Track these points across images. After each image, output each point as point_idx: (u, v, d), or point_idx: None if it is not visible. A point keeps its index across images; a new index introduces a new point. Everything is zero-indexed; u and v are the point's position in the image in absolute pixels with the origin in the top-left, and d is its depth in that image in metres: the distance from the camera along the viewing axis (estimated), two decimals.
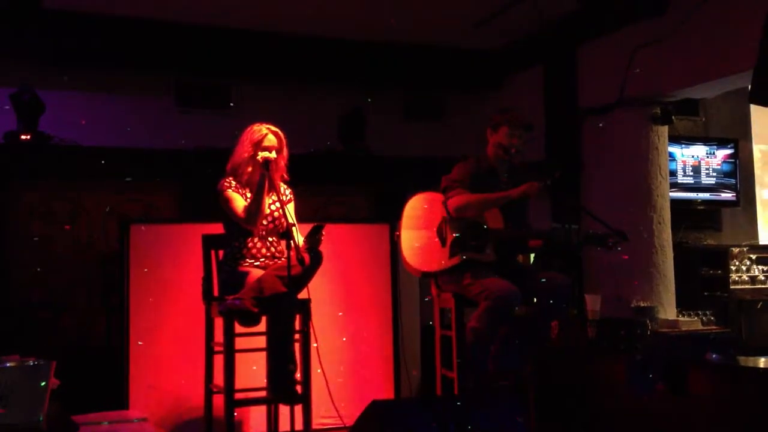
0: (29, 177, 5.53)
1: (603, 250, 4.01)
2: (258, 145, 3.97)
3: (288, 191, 4.16)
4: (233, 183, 3.99)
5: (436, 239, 4.14)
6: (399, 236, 4.24)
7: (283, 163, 4.06)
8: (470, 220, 4.06)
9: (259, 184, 3.90)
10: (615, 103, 5.60)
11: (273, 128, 4.05)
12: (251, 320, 3.79)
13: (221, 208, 4.01)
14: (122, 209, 5.48)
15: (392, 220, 4.38)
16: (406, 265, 4.20)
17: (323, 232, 3.83)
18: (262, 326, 3.86)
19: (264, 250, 4.02)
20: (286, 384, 3.74)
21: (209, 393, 4.11)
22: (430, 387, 4.89)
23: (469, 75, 6.70)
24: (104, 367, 4.88)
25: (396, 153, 6.15)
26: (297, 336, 3.94)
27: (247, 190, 4.01)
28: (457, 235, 4.08)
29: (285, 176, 4.10)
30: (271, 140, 4.00)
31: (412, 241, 4.17)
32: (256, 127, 4.04)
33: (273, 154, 3.98)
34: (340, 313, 4.88)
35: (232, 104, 6.14)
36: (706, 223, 6.77)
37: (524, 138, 4.19)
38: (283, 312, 3.77)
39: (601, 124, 5.74)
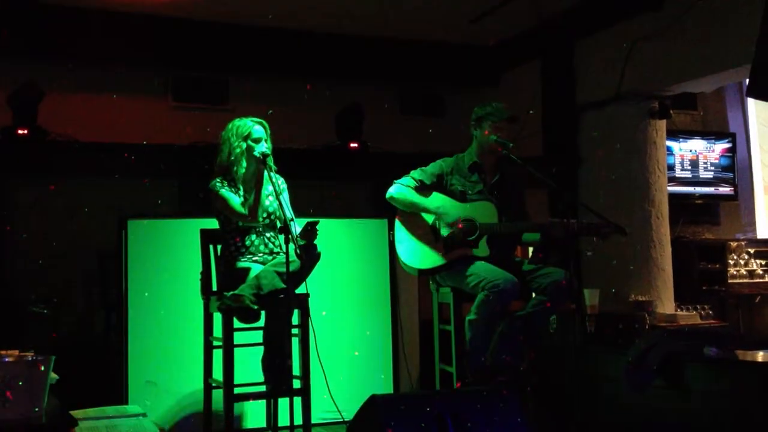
0: (27, 173, 5.52)
1: (598, 239, 4.01)
2: (248, 138, 3.95)
3: (280, 180, 4.12)
4: (224, 182, 3.96)
5: (431, 236, 4.14)
6: (393, 234, 4.24)
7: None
8: (465, 217, 4.06)
9: (258, 179, 3.89)
10: (613, 97, 5.61)
11: (257, 119, 4.03)
12: (250, 317, 3.79)
13: (215, 208, 4.00)
14: (120, 204, 5.46)
15: (390, 215, 4.38)
16: (402, 265, 4.20)
17: (317, 228, 3.81)
18: (260, 321, 3.86)
19: (262, 247, 4.01)
20: (283, 377, 3.75)
21: (208, 388, 4.11)
22: (429, 382, 4.90)
23: (467, 70, 6.70)
24: (103, 362, 4.88)
25: (393, 148, 6.14)
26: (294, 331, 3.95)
27: (240, 186, 3.97)
28: (451, 230, 4.08)
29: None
30: (259, 131, 3.98)
31: (407, 239, 4.17)
32: (239, 121, 4.01)
33: (267, 146, 3.95)
34: (339, 308, 4.88)
35: (229, 99, 6.13)
36: (704, 217, 6.78)
37: (509, 130, 4.18)
38: (282, 308, 3.77)
39: (598, 119, 5.75)
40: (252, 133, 3.96)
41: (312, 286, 3.95)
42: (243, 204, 3.91)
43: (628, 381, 3.77)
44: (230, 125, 4.02)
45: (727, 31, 4.81)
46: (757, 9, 4.08)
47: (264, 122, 4.03)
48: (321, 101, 6.23)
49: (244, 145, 3.94)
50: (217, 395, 4.00)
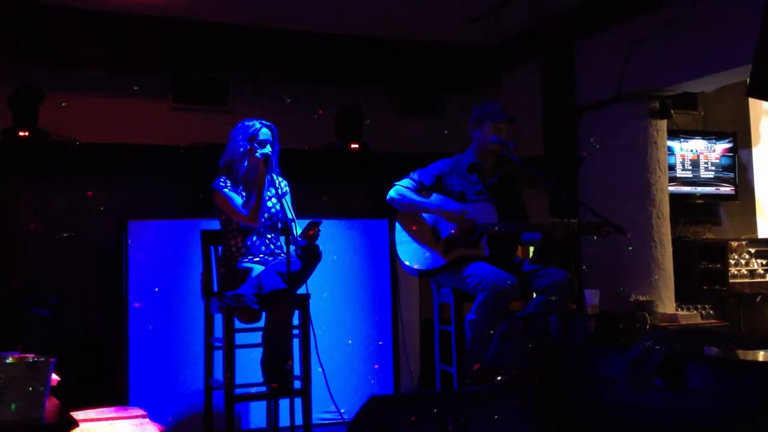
0: (27, 173, 5.52)
1: (599, 238, 4.01)
2: (253, 140, 3.96)
3: (284, 183, 4.14)
4: (228, 182, 3.97)
5: (431, 237, 4.14)
6: (393, 235, 4.24)
7: (275, 156, 4.05)
8: (465, 219, 4.06)
9: (259, 180, 3.89)
10: (613, 97, 5.60)
11: (266, 122, 4.04)
12: (251, 317, 3.80)
13: (217, 208, 4.00)
14: (120, 205, 5.47)
15: (390, 215, 4.39)
16: (403, 265, 4.20)
17: (319, 228, 3.82)
18: (261, 322, 3.86)
19: (263, 248, 4.01)
20: (284, 377, 3.75)
21: (209, 388, 4.12)
22: (429, 382, 4.90)
23: (467, 70, 6.68)
24: (103, 362, 4.88)
25: (394, 149, 6.14)
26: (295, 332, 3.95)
27: (242, 187, 3.99)
28: (451, 231, 4.08)
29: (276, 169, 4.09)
30: (265, 134, 4.00)
31: (408, 240, 4.18)
32: (248, 122, 4.02)
33: (268, 149, 3.97)
34: (340, 309, 4.88)
35: (229, 100, 6.13)
36: (705, 217, 6.77)
37: (508, 130, 4.17)
38: (283, 308, 3.77)
39: (598, 119, 5.74)
40: (259, 135, 3.97)
41: (313, 286, 3.96)
42: (244, 205, 3.91)
43: (628, 381, 3.77)
44: (240, 124, 4.04)
45: (728, 31, 4.81)
46: (757, 9, 4.08)
47: (273, 126, 4.05)
48: (321, 102, 6.22)
49: (248, 146, 3.96)
50: (218, 395, 4.00)
